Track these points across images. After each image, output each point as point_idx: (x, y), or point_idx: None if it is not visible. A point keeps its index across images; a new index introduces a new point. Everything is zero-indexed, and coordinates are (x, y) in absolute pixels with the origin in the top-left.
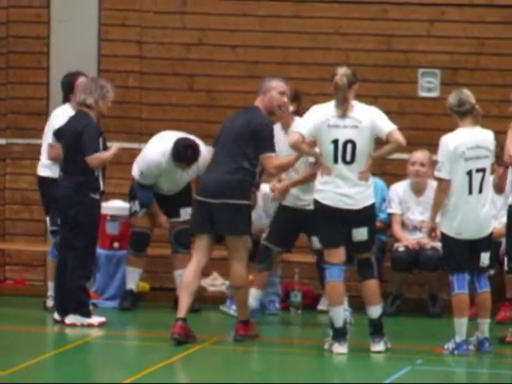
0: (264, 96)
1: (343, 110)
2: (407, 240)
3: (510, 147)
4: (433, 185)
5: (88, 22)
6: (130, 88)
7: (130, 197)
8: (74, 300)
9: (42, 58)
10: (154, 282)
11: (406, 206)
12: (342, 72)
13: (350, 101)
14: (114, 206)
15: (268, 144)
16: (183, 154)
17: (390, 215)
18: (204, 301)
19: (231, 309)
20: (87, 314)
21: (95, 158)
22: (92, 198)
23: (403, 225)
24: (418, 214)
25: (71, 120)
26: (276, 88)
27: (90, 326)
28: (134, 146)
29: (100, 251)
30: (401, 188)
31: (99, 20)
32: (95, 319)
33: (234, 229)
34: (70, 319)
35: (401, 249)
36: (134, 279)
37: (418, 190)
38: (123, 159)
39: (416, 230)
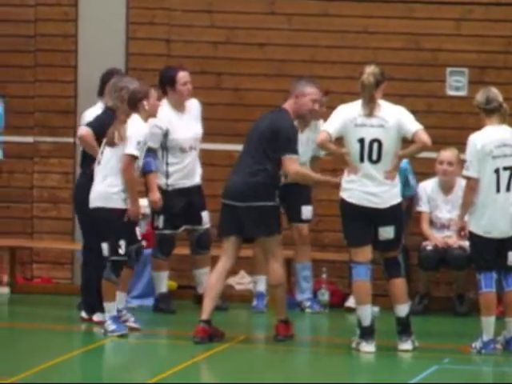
0: (296, 99)
1: (370, 108)
2: (435, 239)
3: None
4: (461, 183)
5: (116, 20)
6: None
7: (153, 211)
8: (101, 298)
9: (69, 56)
10: (181, 280)
11: (435, 204)
12: (370, 71)
13: (377, 100)
14: (142, 204)
15: (290, 146)
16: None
17: (419, 213)
18: (231, 299)
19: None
20: None
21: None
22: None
23: (431, 223)
24: (446, 212)
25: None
26: (310, 94)
27: None
28: None
29: None
30: (429, 186)
31: (127, 18)
32: None
33: (263, 230)
34: (98, 317)
35: (429, 247)
36: (164, 282)
37: (446, 188)
38: None
39: (444, 228)
